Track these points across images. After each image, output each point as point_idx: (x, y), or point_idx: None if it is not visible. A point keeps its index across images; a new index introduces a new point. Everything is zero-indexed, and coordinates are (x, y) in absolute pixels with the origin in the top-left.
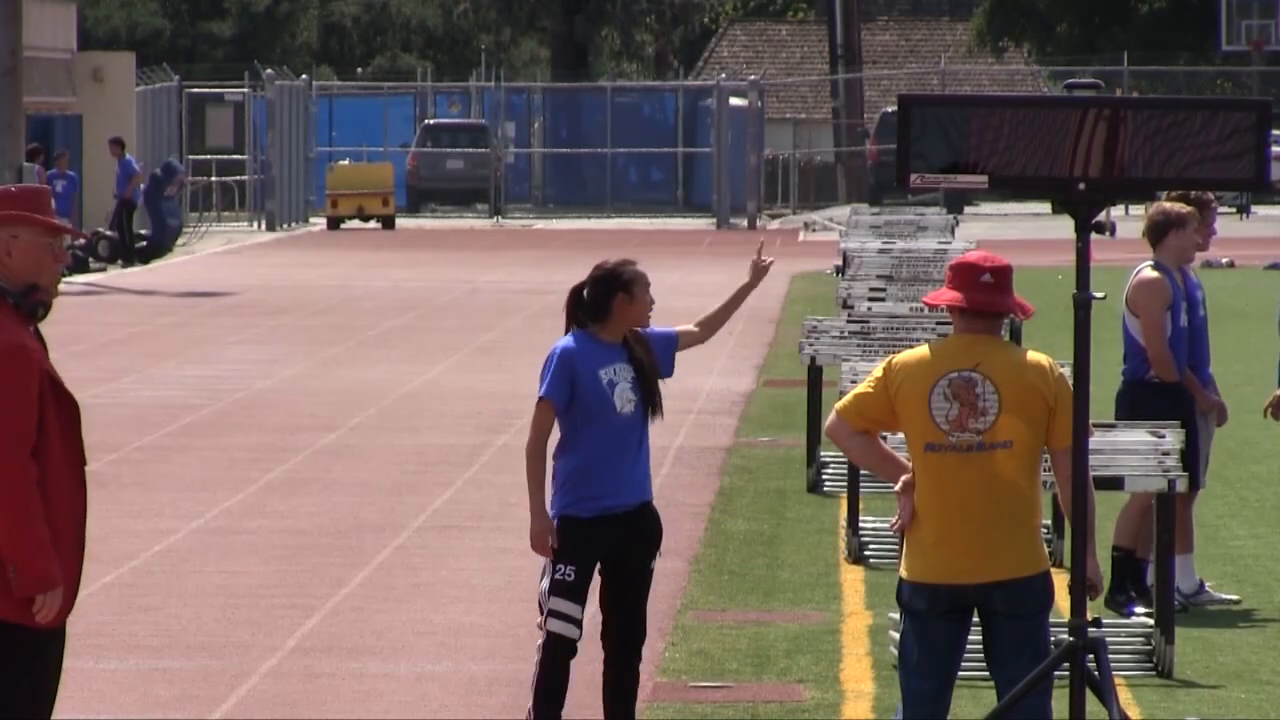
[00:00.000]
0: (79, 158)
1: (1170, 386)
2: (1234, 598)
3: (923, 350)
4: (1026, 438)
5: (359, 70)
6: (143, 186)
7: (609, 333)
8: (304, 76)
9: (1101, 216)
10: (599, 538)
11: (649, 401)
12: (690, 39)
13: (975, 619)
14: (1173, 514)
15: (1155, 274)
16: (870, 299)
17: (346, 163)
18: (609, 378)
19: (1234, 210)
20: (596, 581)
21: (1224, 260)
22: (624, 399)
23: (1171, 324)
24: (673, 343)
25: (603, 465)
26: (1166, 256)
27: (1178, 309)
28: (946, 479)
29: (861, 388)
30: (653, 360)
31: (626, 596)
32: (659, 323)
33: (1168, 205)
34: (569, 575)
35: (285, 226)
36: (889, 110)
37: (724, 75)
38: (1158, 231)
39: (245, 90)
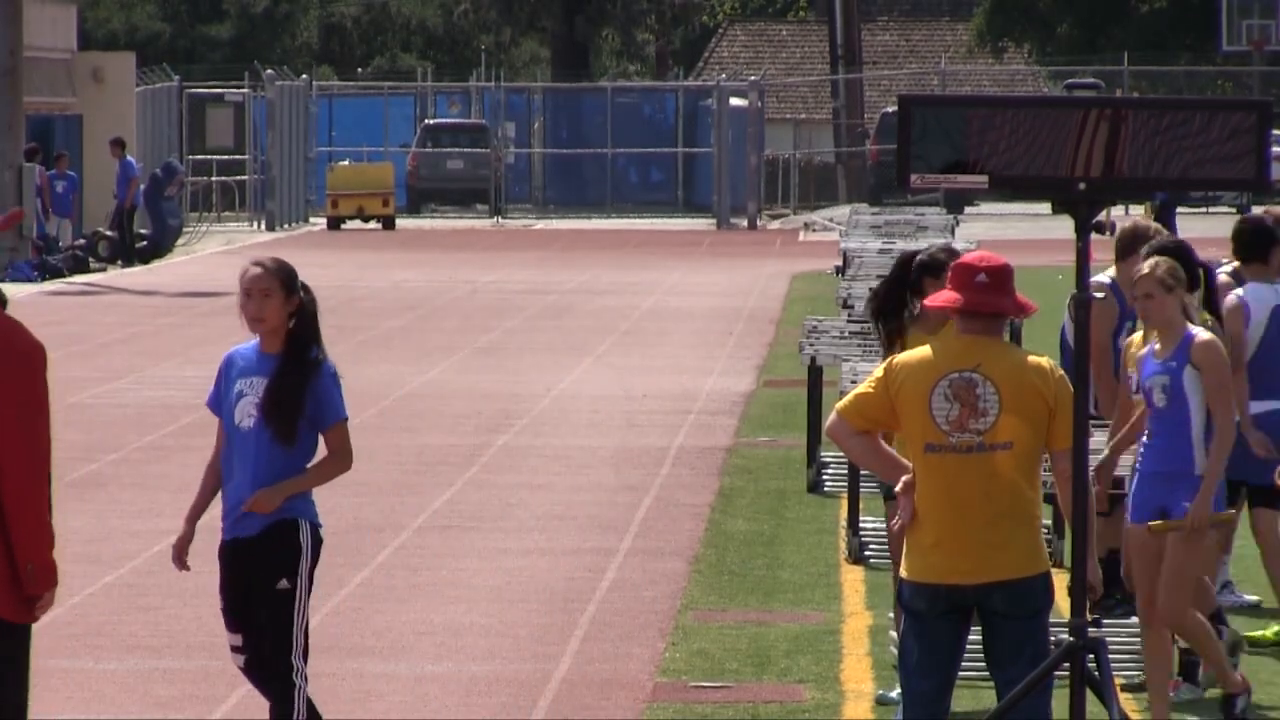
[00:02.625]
0: (79, 158)
1: None
2: (1255, 599)
3: (924, 350)
4: (1027, 438)
5: (359, 70)
6: (142, 188)
7: (263, 342)
8: (304, 77)
9: (1101, 216)
10: (231, 562)
11: (267, 420)
12: (690, 39)
13: (975, 619)
14: None
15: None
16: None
17: (347, 163)
18: (241, 388)
19: (1234, 211)
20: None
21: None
22: (243, 413)
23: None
24: (327, 415)
25: (228, 483)
26: (1121, 275)
27: (1120, 329)
28: (947, 479)
29: (862, 388)
30: (294, 386)
31: (256, 627)
32: (660, 322)
33: (1140, 220)
34: (221, 603)
35: (285, 227)
36: (889, 110)
37: (724, 75)
38: (1130, 244)
39: (245, 90)
